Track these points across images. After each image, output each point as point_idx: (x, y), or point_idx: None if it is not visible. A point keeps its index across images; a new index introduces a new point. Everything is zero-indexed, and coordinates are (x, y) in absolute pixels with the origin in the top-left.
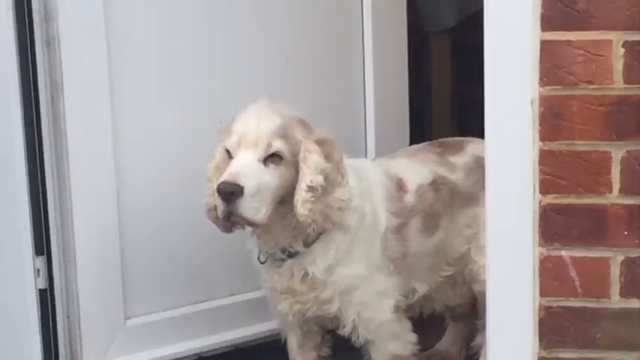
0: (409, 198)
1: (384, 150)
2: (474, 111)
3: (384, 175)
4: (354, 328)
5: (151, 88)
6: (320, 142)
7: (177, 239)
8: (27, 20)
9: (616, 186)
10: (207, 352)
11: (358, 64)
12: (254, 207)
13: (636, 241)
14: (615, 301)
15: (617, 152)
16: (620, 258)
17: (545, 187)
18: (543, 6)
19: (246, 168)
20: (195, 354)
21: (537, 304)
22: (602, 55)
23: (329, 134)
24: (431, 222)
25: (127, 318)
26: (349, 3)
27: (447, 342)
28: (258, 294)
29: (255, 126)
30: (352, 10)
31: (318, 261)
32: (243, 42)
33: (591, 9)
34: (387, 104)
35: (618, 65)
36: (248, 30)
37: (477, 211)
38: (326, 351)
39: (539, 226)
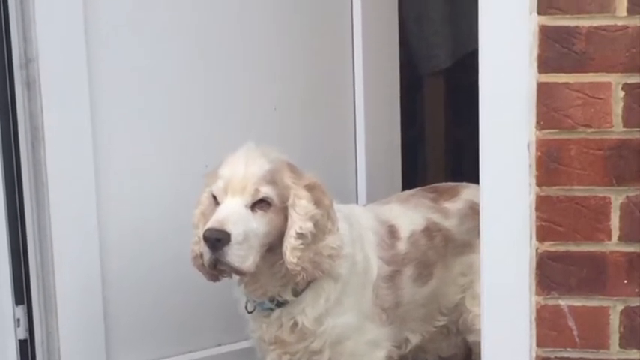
0: (402, 245)
1: (376, 195)
2: (469, 155)
3: (375, 222)
4: None
5: (135, 133)
6: (309, 188)
7: (162, 288)
8: (6, 62)
9: (615, 233)
10: None
11: (349, 107)
12: (241, 255)
13: (636, 290)
14: (614, 351)
15: (617, 198)
16: (620, 307)
17: (542, 234)
18: (540, 47)
19: (233, 214)
20: None
21: (534, 355)
22: (600, 98)
23: (319, 179)
24: (424, 270)
25: None
26: (340, 43)
27: None
28: (245, 344)
29: (243, 171)
30: (344, 51)
31: (307, 310)
32: (231, 86)
33: (590, 50)
34: (378, 148)
35: (618, 108)
36: (236, 74)
37: (472, 258)
38: None
39: (536, 274)
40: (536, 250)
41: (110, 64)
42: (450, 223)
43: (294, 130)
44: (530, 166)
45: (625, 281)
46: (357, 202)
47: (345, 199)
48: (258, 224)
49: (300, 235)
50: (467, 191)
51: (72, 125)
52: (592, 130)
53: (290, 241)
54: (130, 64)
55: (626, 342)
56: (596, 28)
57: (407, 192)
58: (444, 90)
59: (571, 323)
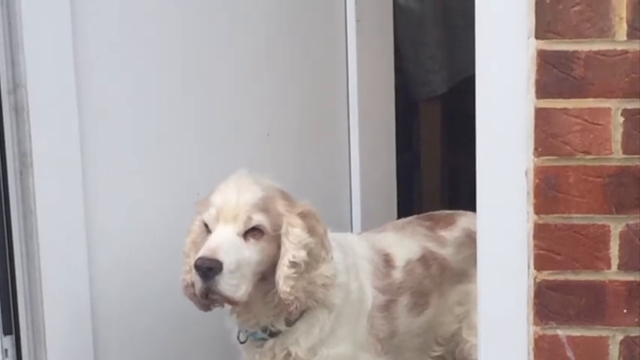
0: (397, 274)
1: (371, 223)
2: (465, 182)
3: (370, 250)
4: None
5: (125, 160)
6: (303, 216)
7: (152, 318)
8: None
9: (615, 261)
10: None
11: (344, 132)
12: (233, 284)
13: (636, 320)
14: None
15: (616, 226)
16: (620, 337)
17: (540, 263)
18: (538, 72)
19: (225, 243)
20: None
21: None
22: (600, 124)
23: (312, 207)
24: (420, 299)
25: None
26: (335, 68)
27: None
28: None
29: (235, 198)
30: (338, 76)
31: (301, 341)
32: (223, 112)
33: (589, 75)
34: (373, 175)
35: (617, 134)
36: (229, 99)
37: (469, 287)
38: None
39: (534, 303)
40: (534, 279)
41: (99, 90)
42: (446, 252)
43: (287, 156)
44: (528, 193)
45: (625, 311)
46: (351, 230)
47: (339, 227)
48: (251, 253)
49: (294, 264)
50: (463, 219)
51: (61, 152)
52: (591, 156)
53: (283, 270)
54: (120, 89)
55: None
56: (595, 52)
57: (402, 220)
58: (440, 116)
59: (570, 354)
